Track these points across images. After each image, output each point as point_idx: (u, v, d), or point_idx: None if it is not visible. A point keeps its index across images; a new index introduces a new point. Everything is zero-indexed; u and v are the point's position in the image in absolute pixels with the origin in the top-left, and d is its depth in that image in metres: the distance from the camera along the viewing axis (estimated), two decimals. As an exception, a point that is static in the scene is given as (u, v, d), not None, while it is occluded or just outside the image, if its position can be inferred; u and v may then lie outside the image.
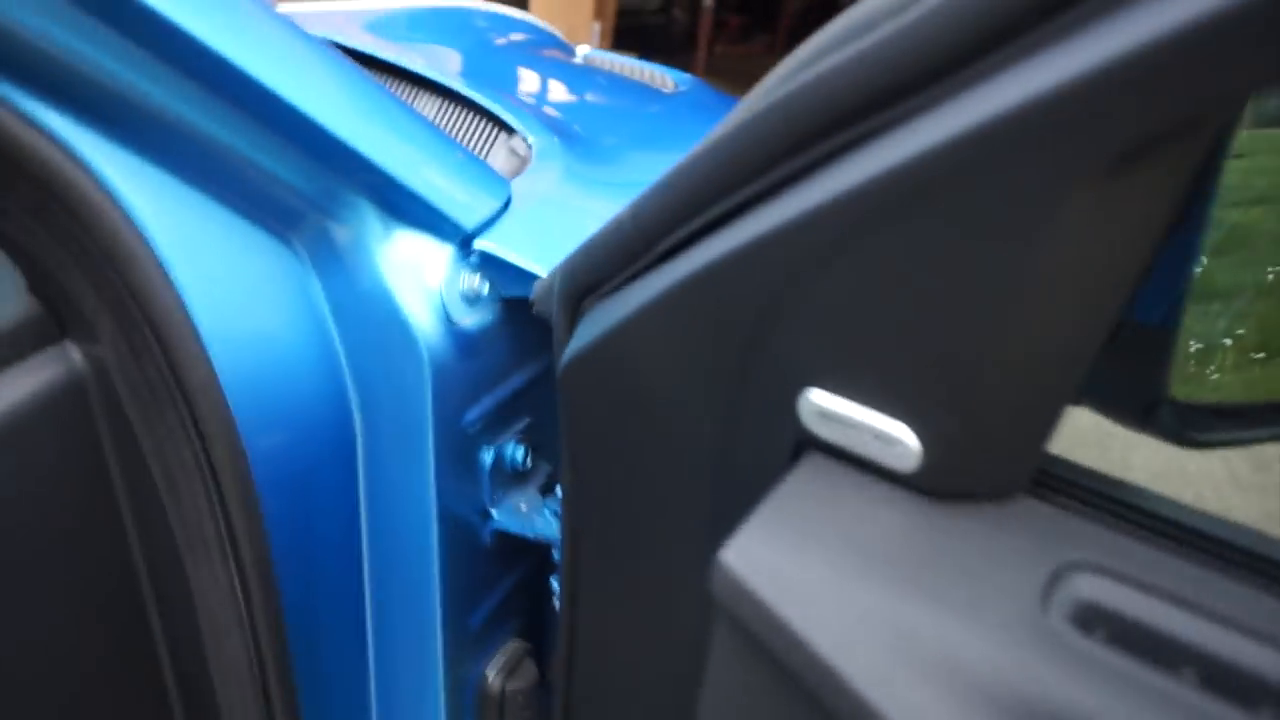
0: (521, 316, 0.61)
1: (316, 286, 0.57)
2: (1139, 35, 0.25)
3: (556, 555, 0.65)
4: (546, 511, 0.68)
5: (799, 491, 0.38)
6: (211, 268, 0.52)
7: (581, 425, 0.49)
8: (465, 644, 0.69)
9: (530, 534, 0.67)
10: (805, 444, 0.39)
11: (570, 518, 0.53)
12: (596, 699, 0.59)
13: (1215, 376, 0.51)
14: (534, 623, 0.78)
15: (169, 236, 0.49)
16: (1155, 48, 0.25)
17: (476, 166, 0.64)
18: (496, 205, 0.61)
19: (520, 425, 0.68)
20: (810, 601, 0.33)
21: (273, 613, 0.57)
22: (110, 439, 0.57)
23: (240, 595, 0.55)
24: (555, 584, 0.68)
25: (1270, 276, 0.51)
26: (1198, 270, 0.46)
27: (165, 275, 0.49)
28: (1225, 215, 0.46)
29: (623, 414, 0.47)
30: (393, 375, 0.58)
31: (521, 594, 0.75)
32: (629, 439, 0.47)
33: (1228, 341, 0.51)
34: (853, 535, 0.35)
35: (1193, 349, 0.49)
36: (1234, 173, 0.44)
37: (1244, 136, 0.43)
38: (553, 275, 0.50)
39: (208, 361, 0.50)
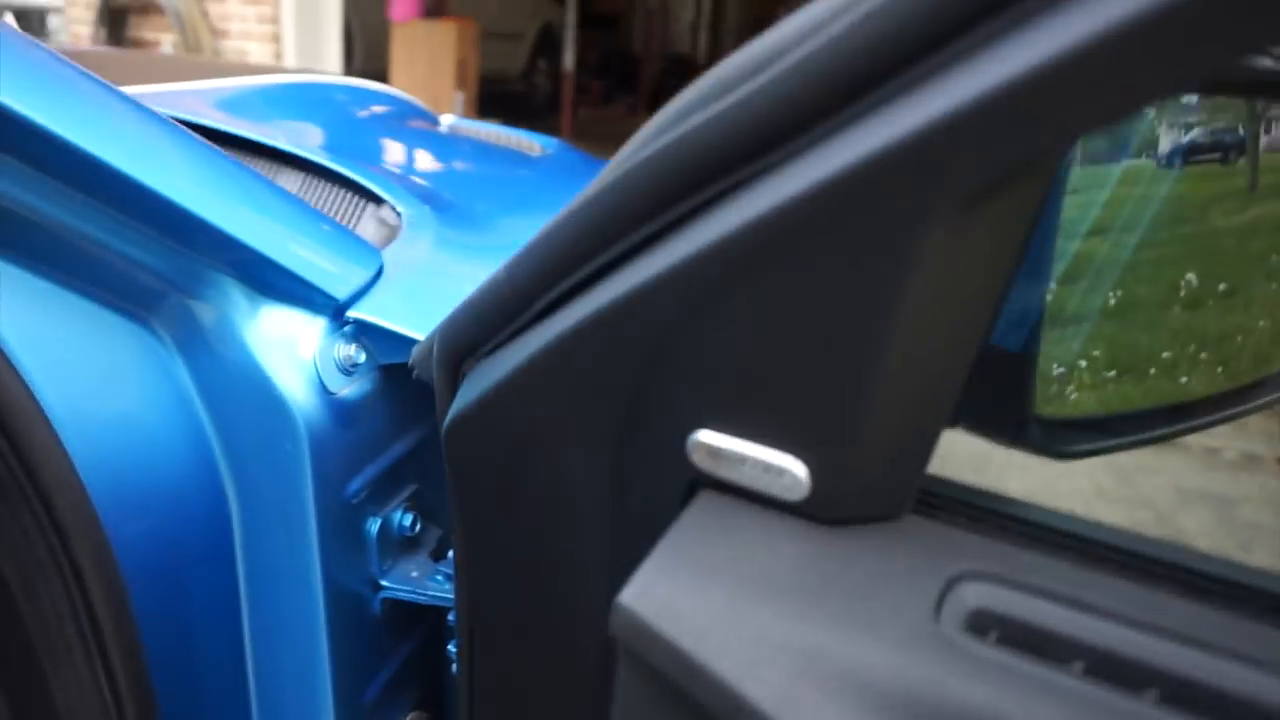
0: (401, 383, 0.61)
1: (180, 367, 0.55)
2: (971, 91, 0.28)
3: (452, 619, 0.64)
4: (439, 576, 0.67)
5: (693, 528, 0.38)
6: (61, 357, 0.50)
7: (470, 485, 0.49)
8: None
9: (424, 600, 0.66)
10: (697, 482, 0.40)
11: (464, 581, 0.53)
12: None
13: (1075, 396, 0.54)
14: (432, 691, 0.76)
15: (12, 328, 0.47)
16: (986, 102, 0.28)
17: (344, 237, 0.64)
18: (368, 274, 0.61)
19: (407, 492, 0.67)
20: (711, 632, 0.33)
21: (147, 709, 0.54)
22: None
23: (109, 693, 0.52)
24: (453, 649, 0.67)
25: (1113, 300, 0.54)
26: (1050, 299, 0.49)
27: (11, 368, 0.47)
28: (1069, 246, 0.49)
29: (512, 471, 0.47)
30: (269, 451, 0.56)
31: (418, 662, 0.73)
32: (520, 495, 0.47)
33: (1084, 363, 0.54)
34: (748, 565, 0.36)
35: (1055, 372, 0.52)
36: (1072, 207, 0.48)
37: (1077, 173, 0.47)
38: (430, 338, 0.50)
39: (63, 454, 0.48)
